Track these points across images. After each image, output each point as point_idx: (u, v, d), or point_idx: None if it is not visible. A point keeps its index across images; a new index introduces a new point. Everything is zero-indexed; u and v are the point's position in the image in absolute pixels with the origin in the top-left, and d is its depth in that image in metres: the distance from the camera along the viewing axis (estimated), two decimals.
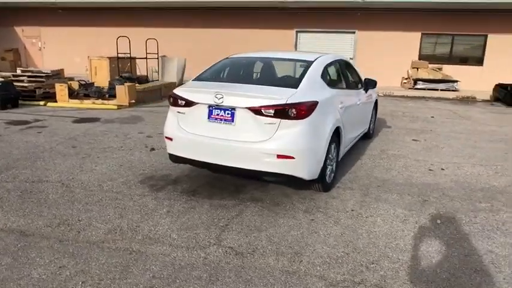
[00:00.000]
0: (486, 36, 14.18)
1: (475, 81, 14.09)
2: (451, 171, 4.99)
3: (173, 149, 3.92)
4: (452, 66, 14.53)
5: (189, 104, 3.72)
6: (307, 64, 4.09)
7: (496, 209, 3.83)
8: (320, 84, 3.95)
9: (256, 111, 3.40)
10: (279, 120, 3.38)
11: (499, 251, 3.01)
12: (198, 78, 4.18)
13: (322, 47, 15.64)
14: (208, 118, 3.64)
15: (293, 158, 3.38)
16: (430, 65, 14.57)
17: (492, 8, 13.30)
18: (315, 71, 3.98)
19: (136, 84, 10.14)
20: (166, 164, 4.94)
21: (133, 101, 9.50)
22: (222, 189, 4.15)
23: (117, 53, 12.19)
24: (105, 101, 9.36)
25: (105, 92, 9.79)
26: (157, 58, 13.45)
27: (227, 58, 4.61)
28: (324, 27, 15.36)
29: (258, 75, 4.38)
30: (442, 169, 5.06)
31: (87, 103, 9.17)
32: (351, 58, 15.50)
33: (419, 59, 14.95)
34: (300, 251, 2.95)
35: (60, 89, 9.11)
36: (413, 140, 6.72)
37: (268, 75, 4.44)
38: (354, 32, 15.25)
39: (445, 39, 14.66)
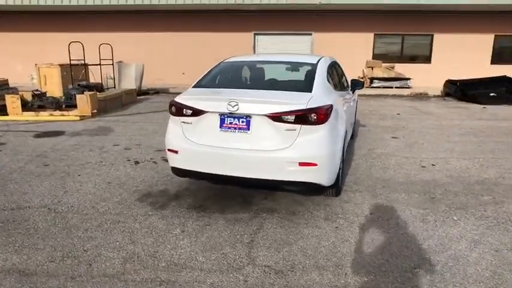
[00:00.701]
0: (432, 35, 15.16)
1: (425, 78, 14.99)
2: (441, 166, 5.17)
3: (179, 162, 3.60)
4: (404, 64, 15.34)
5: (196, 113, 3.44)
6: (312, 67, 4.00)
7: (500, 201, 4.00)
8: (328, 87, 3.87)
9: (275, 117, 3.22)
10: (299, 126, 3.23)
11: None
12: (199, 85, 3.90)
13: (280, 48, 15.78)
14: (220, 127, 3.39)
15: (316, 164, 3.25)
16: (384, 64, 15.26)
17: (436, 9, 14.23)
18: (321, 73, 3.89)
19: (97, 93, 9.43)
20: (159, 179, 4.58)
21: (95, 111, 8.82)
22: (230, 201, 3.91)
23: (70, 60, 11.29)
24: (65, 112, 8.57)
25: (62, 102, 8.98)
26: (113, 64, 12.69)
27: (223, 62, 4.37)
28: (282, 29, 15.48)
29: (264, 80, 4.20)
30: (433, 165, 5.23)
31: (44, 115, 8.33)
32: None
33: (373, 58, 15.61)
34: (339, 262, 2.83)
35: (12, 101, 8.18)
36: (392, 137, 6.92)
37: (274, 79, 4.28)
38: (310, 34, 15.53)
39: (396, 39, 15.45)
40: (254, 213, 3.63)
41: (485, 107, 10.80)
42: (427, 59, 15.41)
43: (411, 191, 4.24)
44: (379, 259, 2.87)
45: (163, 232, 3.27)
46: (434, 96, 13.56)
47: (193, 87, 3.89)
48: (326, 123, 3.31)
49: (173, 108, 3.61)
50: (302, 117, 3.22)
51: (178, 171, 3.70)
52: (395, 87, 14.53)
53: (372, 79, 14.83)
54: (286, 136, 3.25)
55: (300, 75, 4.10)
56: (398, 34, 15.31)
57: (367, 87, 14.76)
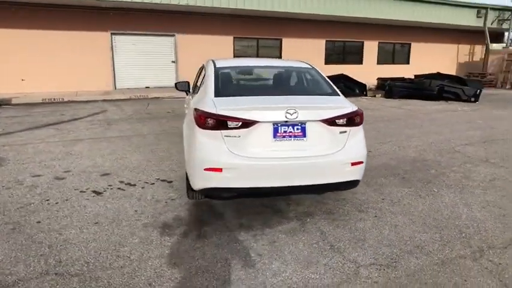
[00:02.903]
0: (281, 39, 17.11)
1: None
2: (376, 152, 6.17)
3: (224, 181, 3.18)
4: None
5: (247, 124, 3.14)
6: (315, 71, 4.19)
7: (442, 172, 5.14)
8: None
9: (331, 122, 3.30)
10: (349, 128, 3.41)
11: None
12: (220, 94, 3.49)
13: (142, 50, 14.84)
14: (274, 137, 3.21)
15: (362, 162, 3.50)
16: None
17: (283, 16, 16.11)
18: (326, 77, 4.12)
19: None
20: (153, 206, 3.91)
21: None
22: (261, 214, 3.73)
23: None
24: None
25: None
26: None
27: (218, 67, 3.97)
28: (143, 30, 14.52)
29: (290, 85, 4.10)
30: (369, 151, 6.17)
31: None
32: (173, 61, 15.39)
33: None
34: (417, 244, 3.19)
35: None
36: None
37: (298, 84, 4.22)
38: (173, 35, 15.14)
39: (252, 42, 16.73)
40: (300, 221, 3.59)
41: None
42: None
43: (385, 175, 4.97)
44: (437, 237, 3.36)
45: (242, 262, 2.90)
46: None
47: (216, 97, 3.46)
48: (362, 123, 3.60)
49: (211, 121, 3.16)
50: (351, 120, 3.41)
51: (220, 192, 3.28)
52: None
53: None
54: (339, 139, 3.37)
55: (314, 79, 4.19)
56: (254, 38, 16.61)
57: None
